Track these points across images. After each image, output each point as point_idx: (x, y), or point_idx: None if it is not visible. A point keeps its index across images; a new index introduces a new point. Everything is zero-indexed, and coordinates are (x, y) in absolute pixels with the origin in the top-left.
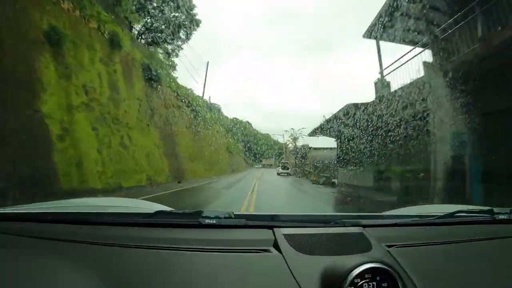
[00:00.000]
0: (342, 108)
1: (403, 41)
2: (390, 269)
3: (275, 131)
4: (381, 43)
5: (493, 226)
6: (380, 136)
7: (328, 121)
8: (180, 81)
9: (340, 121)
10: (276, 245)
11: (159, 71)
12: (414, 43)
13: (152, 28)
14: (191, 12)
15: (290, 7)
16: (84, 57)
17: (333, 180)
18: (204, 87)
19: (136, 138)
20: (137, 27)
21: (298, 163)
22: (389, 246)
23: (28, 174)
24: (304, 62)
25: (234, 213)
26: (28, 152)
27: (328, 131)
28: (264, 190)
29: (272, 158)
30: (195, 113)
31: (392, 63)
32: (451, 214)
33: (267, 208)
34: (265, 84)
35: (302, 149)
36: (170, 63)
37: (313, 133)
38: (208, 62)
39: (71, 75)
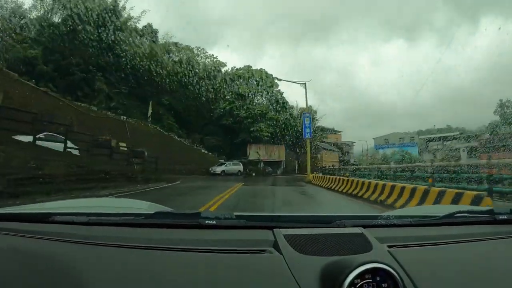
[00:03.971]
0: None
1: None
2: (390, 269)
3: None
4: None
5: (493, 227)
6: None
7: None
8: None
9: None
10: (276, 246)
11: None
12: None
13: None
14: None
15: None
16: None
17: None
18: None
19: None
20: None
21: None
22: (390, 247)
23: None
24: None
25: (235, 213)
26: None
27: None
28: None
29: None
30: None
31: None
32: (451, 215)
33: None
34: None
35: None
36: None
37: None
38: None
39: None
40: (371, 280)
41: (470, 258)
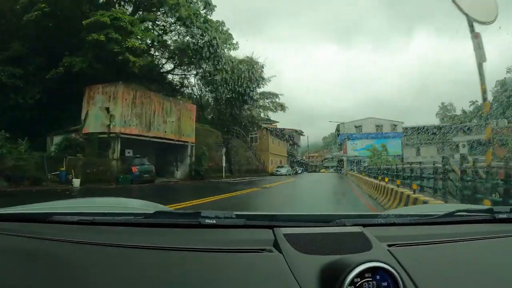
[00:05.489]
0: None
1: None
2: (390, 268)
3: None
4: None
5: (493, 225)
6: None
7: None
8: None
9: None
10: (276, 245)
11: None
12: None
13: None
14: None
15: None
16: None
17: None
18: None
19: None
20: None
21: None
22: (390, 246)
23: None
24: None
25: (235, 213)
26: None
27: None
28: None
29: None
30: None
31: None
32: (451, 214)
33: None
34: None
35: None
36: None
37: None
38: None
39: None
40: (371, 279)
41: (470, 257)
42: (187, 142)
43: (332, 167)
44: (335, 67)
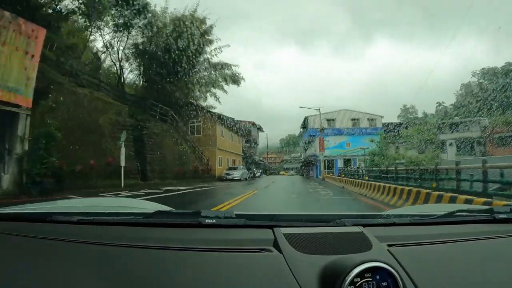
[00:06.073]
0: None
1: None
2: (390, 268)
3: None
4: None
5: (493, 225)
6: None
7: None
8: None
9: None
10: (276, 245)
11: None
12: None
13: None
14: None
15: None
16: None
17: None
18: None
19: None
20: None
21: None
22: (390, 246)
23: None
24: None
25: (234, 212)
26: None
27: None
28: None
29: None
30: None
31: None
32: (451, 214)
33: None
34: None
35: None
36: None
37: None
38: None
39: None
40: (371, 279)
41: (469, 257)
42: (12, 107)
43: (292, 169)
44: (293, 69)
